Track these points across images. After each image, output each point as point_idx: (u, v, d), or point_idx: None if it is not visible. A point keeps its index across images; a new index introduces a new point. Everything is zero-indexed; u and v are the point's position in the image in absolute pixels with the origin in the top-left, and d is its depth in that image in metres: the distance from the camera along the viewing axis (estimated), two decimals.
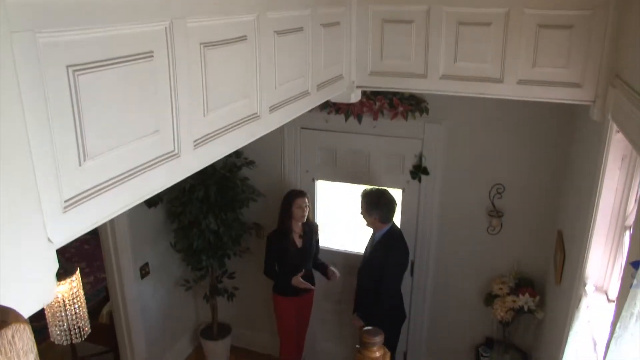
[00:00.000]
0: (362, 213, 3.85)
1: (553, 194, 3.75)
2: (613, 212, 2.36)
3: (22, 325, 0.63)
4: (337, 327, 4.75)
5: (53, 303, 2.73)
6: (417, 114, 3.87)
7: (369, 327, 2.28)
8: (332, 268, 4.18)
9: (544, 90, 2.48)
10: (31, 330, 0.66)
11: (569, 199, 3.36)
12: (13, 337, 0.62)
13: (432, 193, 4.07)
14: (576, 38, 2.34)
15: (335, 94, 2.63)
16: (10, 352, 0.62)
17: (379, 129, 4.04)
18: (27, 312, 0.98)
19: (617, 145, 2.23)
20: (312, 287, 4.16)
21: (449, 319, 4.39)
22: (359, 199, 3.85)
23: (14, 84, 0.89)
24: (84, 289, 2.88)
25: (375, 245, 3.87)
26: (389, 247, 3.82)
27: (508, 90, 2.54)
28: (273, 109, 1.88)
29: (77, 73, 1.04)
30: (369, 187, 3.94)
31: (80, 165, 1.08)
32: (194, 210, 4.19)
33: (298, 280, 4.07)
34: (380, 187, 3.92)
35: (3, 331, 0.61)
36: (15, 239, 0.93)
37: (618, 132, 2.17)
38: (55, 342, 2.84)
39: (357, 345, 2.34)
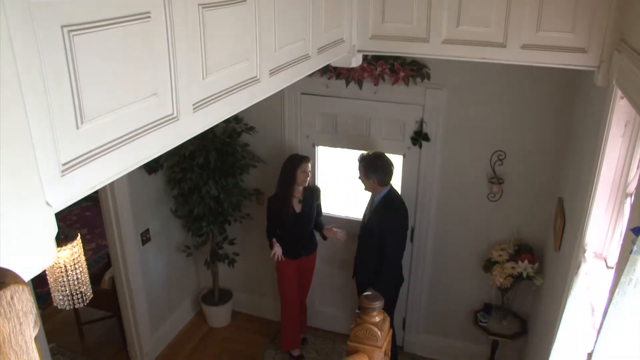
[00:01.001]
0: (360, 177, 3.85)
1: (554, 161, 3.74)
2: (614, 179, 2.36)
3: (20, 287, 0.63)
4: (338, 292, 4.80)
5: (55, 268, 2.74)
6: (418, 79, 3.83)
7: (369, 292, 2.29)
8: (336, 229, 4.20)
9: (547, 55, 2.44)
10: (30, 292, 0.65)
11: (570, 166, 3.35)
12: (12, 298, 0.62)
13: (433, 159, 4.05)
14: (582, 1, 2.29)
15: (336, 58, 2.60)
16: (10, 313, 0.62)
17: (380, 95, 4.00)
18: (27, 275, 0.98)
19: (620, 112, 2.21)
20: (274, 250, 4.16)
21: (448, 284, 4.42)
22: (357, 163, 3.85)
23: (7, 44, 0.87)
24: (85, 255, 2.88)
25: (374, 209, 3.89)
26: (388, 210, 3.84)
27: (511, 55, 2.51)
28: (273, 72, 1.85)
29: (72, 34, 1.01)
30: (366, 151, 3.93)
31: (77, 128, 1.07)
32: (194, 177, 4.20)
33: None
34: (377, 151, 3.91)
35: (2, 292, 0.61)
36: (13, 202, 0.92)
37: (622, 98, 2.15)
38: (58, 307, 2.86)
39: (357, 310, 2.36)
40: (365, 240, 4.00)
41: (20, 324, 0.63)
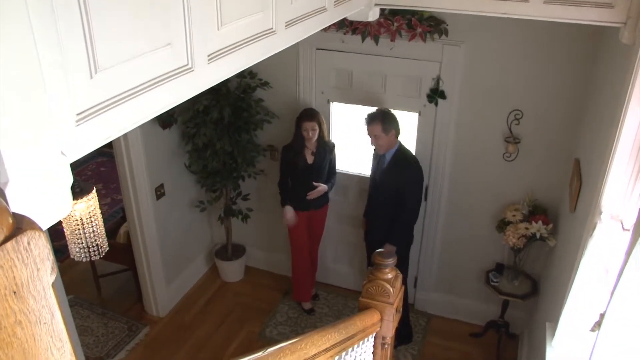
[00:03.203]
0: (376, 136, 3.78)
1: (572, 122, 3.68)
2: (636, 139, 2.30)
3: (37, 233, 0.63)
4: (350, 249, 4.83)
5: (71, 221, 2.77)
6: (435, 35, 3.74)
7: (382, 249, 2.30)
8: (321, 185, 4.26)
9: (571, 10, 2.36)
10: (47, 239, 0.65)
11: (589, 126, 3.29)
12: (29, 243, 0.62)
13: (449, 117, 4.00)
14: None
15: (353, 12, 2.53)
16: (27, 258, 0.62)
17: (396, 51, 3.93)
18: (44, 224, 0.98)
19: None
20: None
21: (460, 244, 4.43)
22: (370, 124, 3.79)
23: None
24: (101, 210, 2.92)
25: (387, 167, 3.87)
26: (404, 164, 3.85)
27: (533, 10, 2.42)
28: (289, 24, 1.81)
29: None
30: (370, 111, 3.87)
31: (91, 77, 1.05)
32: (208, 132, 4.19)
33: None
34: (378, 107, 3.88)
35: (19, 237, 0.61)
36: (28, 152, 0.92)
37: None
38: (75, 259, 2.91)
39: (369, 267, 2.37)
40: (378, 198, 3.99)
41: (38, 269, 0.63)
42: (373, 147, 3.98)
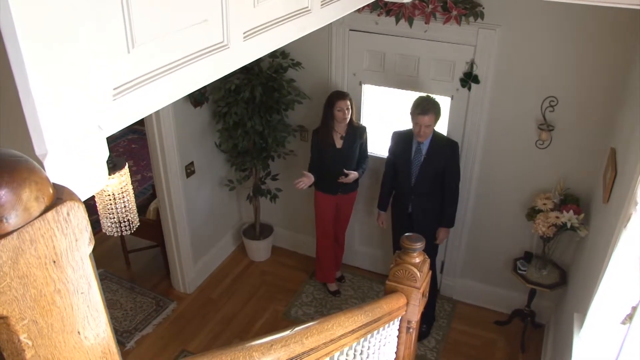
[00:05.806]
0: (428, 125, 3.73)
1: (609, 110, 3.58)
2: None
3: (76, 204, 0.64)
4: (377, 232, 4.82)
5: (103, 196, 2.82)
6: (471, 18, 3.67)
7: (410, 233, 2.28)
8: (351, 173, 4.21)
9: None
10: (85, 210, 0.66)
11: (628, 115, 3.20)
12: (68, 214, 0.63)
13: (482, 102, 3.94)
14: None
15: None
16: (67, 228, 0.63)
17: (430, 34, 3.87)
18: (80, 197, 0.99)
19: None
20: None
21: (489, 230, 4.38)
22: (426, 114, 3.68)
23: None
24: (132, 186, 2.96)
25: (428, 152, 3.87)
26: (445, 145, 3.89)
27: None
28: (324, 3, 1.79)
29: None
30: (419, 99, 3.78)
31: (128, 52, 1.06)
32: (239, 111, 4.20)
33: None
34: (421, 96, 3.82)
35: (59, 208, 0.61)
36: (67, 126, 0.93)
37: None
38: (107, 234, 2.97)
39: (397, 250, 2.37)
40: (420, 186, 3.97)
41: (77, 240, 0.64)
42: (393, 131, 4.05)
